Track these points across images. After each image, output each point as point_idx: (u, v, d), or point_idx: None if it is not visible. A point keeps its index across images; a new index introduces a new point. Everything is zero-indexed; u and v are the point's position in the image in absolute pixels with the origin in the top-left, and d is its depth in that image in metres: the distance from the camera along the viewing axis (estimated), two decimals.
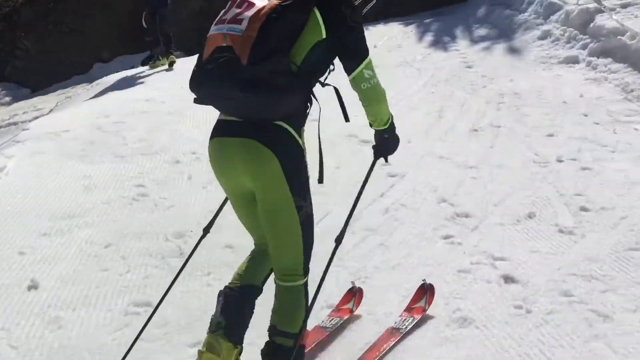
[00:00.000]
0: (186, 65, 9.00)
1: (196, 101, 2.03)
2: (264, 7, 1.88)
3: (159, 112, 6.23)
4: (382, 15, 10.77)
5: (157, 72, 8.44)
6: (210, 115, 6.76)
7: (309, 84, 2.06)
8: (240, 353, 2.14)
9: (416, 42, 9.39)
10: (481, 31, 9.32)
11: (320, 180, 2.18)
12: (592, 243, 3.35)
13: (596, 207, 3.77)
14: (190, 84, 2.00)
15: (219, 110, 2.09)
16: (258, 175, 2.00)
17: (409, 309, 2.81)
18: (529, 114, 5.80)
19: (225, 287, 2.25)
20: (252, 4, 1.91)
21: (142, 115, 6.11)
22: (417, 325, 2.71)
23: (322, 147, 2.18)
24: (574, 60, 7.20)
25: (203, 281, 3.27)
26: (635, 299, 2.81)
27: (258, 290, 2.27)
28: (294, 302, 2.14)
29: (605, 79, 6.48)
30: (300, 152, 2.06)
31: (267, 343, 2.15)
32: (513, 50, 8.10)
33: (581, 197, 3.93)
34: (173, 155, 5.09)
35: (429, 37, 9.35)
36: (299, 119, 2.07)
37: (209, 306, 2.99)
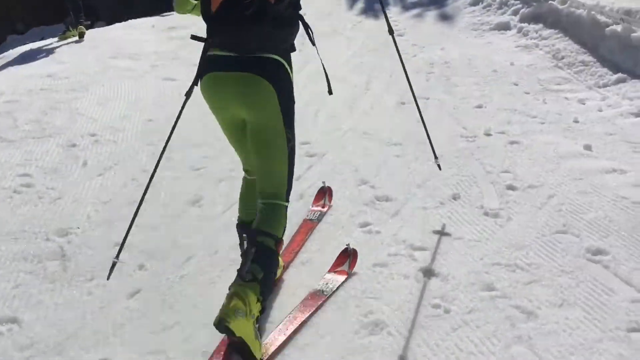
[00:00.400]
0: (100, 35, 8.32)
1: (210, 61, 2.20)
2: None
3: (60, 89, 5.60)
4: None
5: (66, 43, 7.70)
6: (117, 91, 6.41)
7: (298, 15, 2.25)
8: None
9: (347, 10, 8.95)
10: None
11: (330, 92, 2.46)
12: (517, 226, 3.08)
13: (524, 185, 3.51)
14: (208, 34, 2.19)
15: (229, 48, 2.16)
16: (257, 108, 2.16)
17: (332, 272, 2.72)
18: (458, 85, 5.51)
19: (239, 223, 2.54)
20: None
21: (40, 93, 5.47)
22: (323, 334, 2.37)
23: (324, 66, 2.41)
24: (505, 27, 6.95)
25: (84, 289, 2.81)
26: (562, 290, 2.54)
27: None
28: (277, 215, 2.30)
29: (536, 46, 6.26)
30: (292, 88, 2.27)
31: (249, 235, 2.27)
32: (445, 17, 7.80)
33: (508, 175, 3.66)
34: (69, 138, 4.53)
35: (360, 5, 8.91)
36: (289, 56, 2.26)
37: (88, 319, 2.58)
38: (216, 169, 4.03)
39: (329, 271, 2.74)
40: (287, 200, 2.35)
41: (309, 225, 3.19)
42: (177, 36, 8.17)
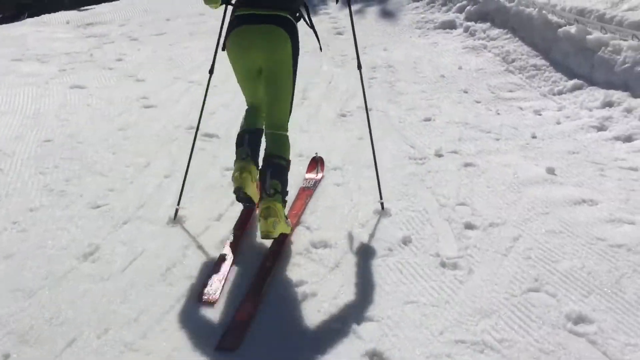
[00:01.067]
0: (5, 32, 7.35)
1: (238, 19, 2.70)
2: None
3: None
4: None
5: None
6: (13, 103, 5.58)
7: None
8: (257, 170, 2.84)
9: None
10: None
11: (321, 49, 3.29)
12: (481, 282, 2.53)
13: (484, 222, 2.97)
14: None
15: (258, 7, 2.67)
16: (276, 50, 2.67)
17: (309, 174, 3.54)
18: (403, 92, 4.96)
19: (245, 130, 2.91)
20: None
21: None
22: None
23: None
24: (450, 25, 6.47)
25: None
26: None
27: (261, 130, 2.94)
28: (284, 142, 2.84)
29: (484, 47, 5.79)
30: (299, 40, 2.75)
31: (269, 163, 2.72)
32: (387, 14, 7.25)
33: (465, 208, 3.12)
34: None
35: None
36: (296, 16, 2.77)
37: None
38: (121, 205, 3.31)
39: (307, 173, 3.56)
40: (287, 131, 2.89)
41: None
42: (94, 34, 7.31)
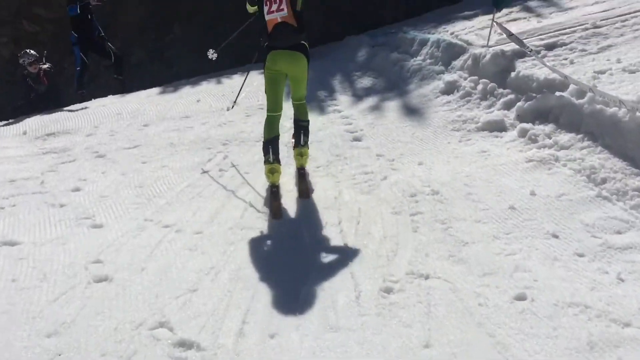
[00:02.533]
0: None
1: (270, 47, 4.11)
2: None
3: None
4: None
5: None
6: None
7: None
8: (280, 167, 4.19)
9: (284, 98, 6.93)
10: (365, 81, 7.06)
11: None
12: None
13: None
14: (270, 39, 4.09)
15: (282, 46, 4.08)
16: (299, 65, 4.11)
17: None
18: (466, 240, 3.44)
19: (268, 140, 4.14)
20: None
21: None
22: None
23: None
24: (499, 127, 5.03)
25: None
26: None
27: (279, 135, 4.22)
28: (306, 109, 4.40)
29: (555, 160, 4.31)
30: (309, 54, 4.20)
31: (300, 126, 4.35)
32: (412, 112, 5.85)
33: None
34: None
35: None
36: (307, 42, 4.21)
37: None
38: None
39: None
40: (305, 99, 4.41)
41: None
42: (53, 148, 5.84)
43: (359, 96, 6.58)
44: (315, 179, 4.54)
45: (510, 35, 5.48)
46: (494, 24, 5.94)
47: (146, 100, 7.33)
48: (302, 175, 4.35)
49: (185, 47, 9.73)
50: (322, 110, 6.32)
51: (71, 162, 5.39)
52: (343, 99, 6.60)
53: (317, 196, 4.24)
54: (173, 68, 9.74)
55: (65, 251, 3.63)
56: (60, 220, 4.11)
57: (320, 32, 8.62)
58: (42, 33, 10.01)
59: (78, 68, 8.12)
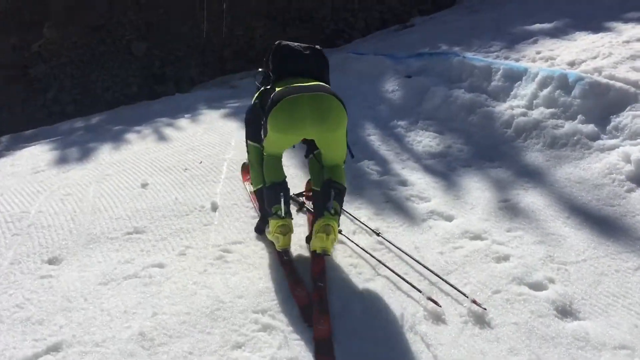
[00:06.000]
0: None
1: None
2: None
3: None
4: None
5: None
6: None
7: None
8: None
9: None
10: (425, 140, 4.14)
11: (352, 156, 2.94)
12: None
13: None
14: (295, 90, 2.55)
15: (302, 76, 2.67)
16: (339, 127, 2.56)
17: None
18: None
19: (275, 184, 2.64)
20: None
21: None
22: None
23: None
24: None
25: None
26: None
27: (286, 181, 2.72)
28: (343, 173, 2.72)
29: None
30: None
31: (331, 186, 2.63)
32: (552, 196, 3.05)
33: None
34: None
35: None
36: None
37: None
38: None
39: None
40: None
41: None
42: None
43: (458, 196, 3.55)
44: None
45: None
46: None
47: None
48: (322, 271, 2.61)
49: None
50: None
51: None
52: (416, 178, 3.65)
53: None
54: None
55: None
56: None
57: None
58: None
59: None
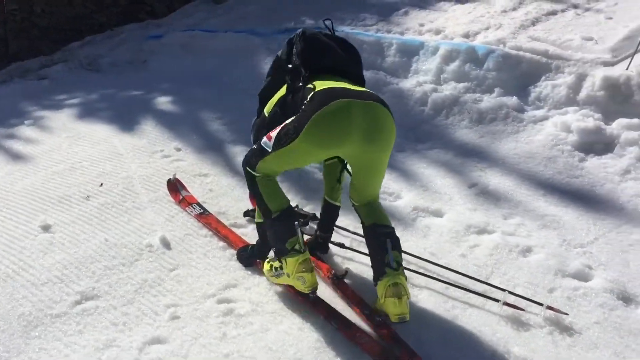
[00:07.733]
0: None
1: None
2: None
3: None
4: None
5: None
6: None
7: None
8: None
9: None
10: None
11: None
12: None
13: None
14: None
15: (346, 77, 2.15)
16: (389, 146, 2.04)
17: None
18: None
19: (286, 211, 2.08)
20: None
21: None
22: None
23: None
24: None
25: None
26: None
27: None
28: (383, 210, 2.20)
29: None
30: None
31: (381, 234, 2.10)
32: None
33: None
34: None
35: None
36: None
37: None
38: None
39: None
40: None
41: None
42: None
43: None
44: None
45: None
46: None
47: None
48: (359, 301, 2.16)
49: None
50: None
51: None
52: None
53: None
54: None
55: None
56: None
57: None
58: None
59: None
